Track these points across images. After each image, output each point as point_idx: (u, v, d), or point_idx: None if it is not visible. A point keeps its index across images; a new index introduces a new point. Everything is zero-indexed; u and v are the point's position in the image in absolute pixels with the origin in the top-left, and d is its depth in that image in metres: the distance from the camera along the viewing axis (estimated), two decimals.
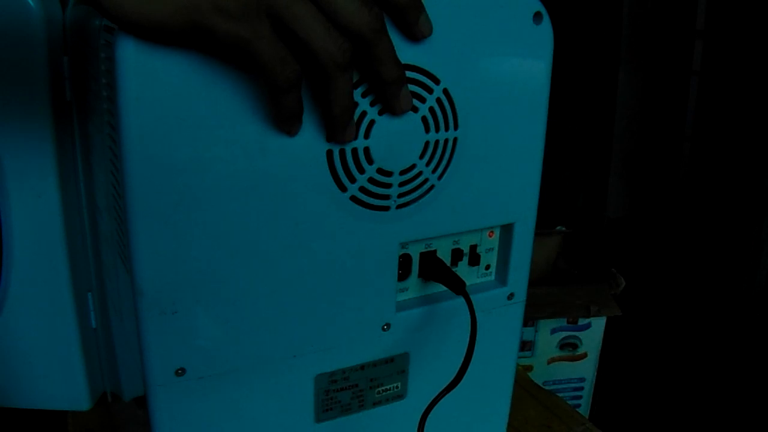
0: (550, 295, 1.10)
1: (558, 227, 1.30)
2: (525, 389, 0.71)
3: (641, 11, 1.74)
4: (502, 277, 0.48)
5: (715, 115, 1.63)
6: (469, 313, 0.43)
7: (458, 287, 0.43)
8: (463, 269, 0.46)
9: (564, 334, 1.13)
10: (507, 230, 0.46)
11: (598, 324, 1.14)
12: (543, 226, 1.39)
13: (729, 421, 1.44)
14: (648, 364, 1.62)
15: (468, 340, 0.43)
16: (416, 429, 0.43)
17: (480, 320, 0.44)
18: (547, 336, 1.13)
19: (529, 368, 1.14)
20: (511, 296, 0.48)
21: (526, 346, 1.12)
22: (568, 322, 1.12)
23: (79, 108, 0.52)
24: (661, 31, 1.73)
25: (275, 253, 0.38)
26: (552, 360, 1.15)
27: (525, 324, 1.11)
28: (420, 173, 0.40)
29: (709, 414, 1.45)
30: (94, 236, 0.56)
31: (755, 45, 1.50)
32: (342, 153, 0.37)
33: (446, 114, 0.39)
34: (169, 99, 0.32)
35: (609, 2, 1.73)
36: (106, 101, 0.39)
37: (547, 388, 0.74)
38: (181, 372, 0.37)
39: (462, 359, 0.43)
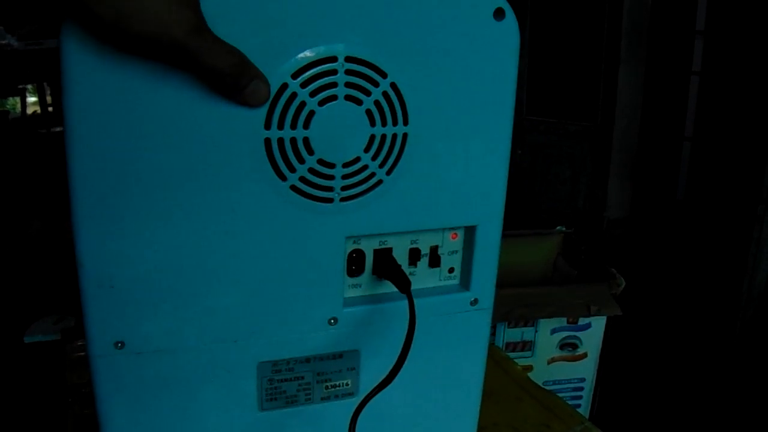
0: (550, 295, 1.10)
1: (558, 227, 1.30)
2: (525, 389, 0.71)
3: (641, 11, 1.74)
4: (465, 281, 0.46)
5: (715, 115, 1.63)
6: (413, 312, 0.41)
7: (404, 286, 0.42)
8: (423, 270, 0.45)
9: (564, 334, 1.13)
10: (470, 233, 0.44)
11: (598, 324, 1.14)
12: (543, 226, 1.40)
13: (729, 420, 1.44)
14: (648, 364, 1.62)
15: (418, 341, 0.41)
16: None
17: (440, 324, 0.43)
18: (547, 336, 1.13)
19: (529, 368, 1.14)
20: (474, 302, 0.46)
21: (526, 346, 1.12)
22: (568, 322, 1.12)
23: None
24: (661, 31, 1.73)
25: (213, 238, 0.37)
26: (552, 360, 1.15)
27: (525, 324, 1.11)
28: (365, 167, 0.39)
29: (708, 414, 1.45)
30: None
31: (755, 45, 1.50)
32: (280, 142, 0.37)
33: (394, 108, 0.38)
34: (109, 91, 0.33)
35: (609, 2, 1.74)
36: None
37: (547, 388, 0.74)
38: (120, 345, 0.38)
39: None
